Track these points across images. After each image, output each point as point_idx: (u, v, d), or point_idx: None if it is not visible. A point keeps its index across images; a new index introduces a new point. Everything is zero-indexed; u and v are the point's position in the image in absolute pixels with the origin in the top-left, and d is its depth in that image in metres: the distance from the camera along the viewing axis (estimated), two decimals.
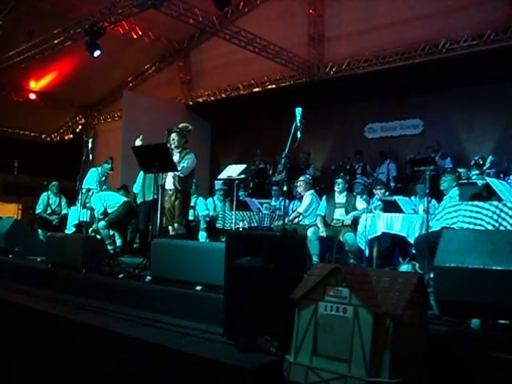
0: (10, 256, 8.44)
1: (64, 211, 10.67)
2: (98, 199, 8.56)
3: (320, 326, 3.20)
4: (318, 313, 3.22)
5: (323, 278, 3.23)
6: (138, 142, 8.07)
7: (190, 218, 9.83)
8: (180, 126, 7.21)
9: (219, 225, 9.45)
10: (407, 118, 12.68)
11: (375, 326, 2.99)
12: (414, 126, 12.57)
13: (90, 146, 8.36)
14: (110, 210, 8.47)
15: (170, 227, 7.17)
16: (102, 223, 8.37)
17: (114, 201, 8.53)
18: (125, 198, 8.76)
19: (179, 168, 6.81)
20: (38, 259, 8.05)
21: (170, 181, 7.03)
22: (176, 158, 6.97)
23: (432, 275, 4.89)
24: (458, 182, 6.98)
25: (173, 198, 7.05)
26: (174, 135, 7.08)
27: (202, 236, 9.47)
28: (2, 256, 8.32)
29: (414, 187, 8.66)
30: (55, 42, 12.55)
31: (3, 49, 13.51)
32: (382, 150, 12.16)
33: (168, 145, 6.98)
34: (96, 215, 8.74)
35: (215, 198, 10.49)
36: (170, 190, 7.05)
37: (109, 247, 8.21)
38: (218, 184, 10.43)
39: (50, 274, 6.92)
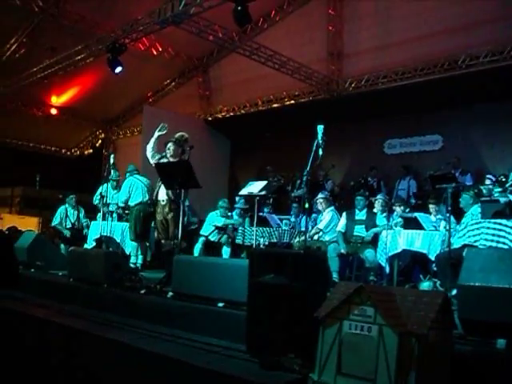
0: (33, 270, 8.53)
1: (84, 223, 10.74)
2: (129, 185, 8.70)
3: (344, 344, 3.20)
4: (343, 331, 3.22)
5: (348, 297, 3.23)
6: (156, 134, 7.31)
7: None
8: (176, 135, 7.21)
9: (239, 240, 9.47)
10: (426, 134, 12.63)
11: (400, 346, 2.98)
12: (434, 142, 12.51)
13: (111, 161, 8.43)
14: (130, 204, 8.66)
15: (162, 241, 7.11)
16: (131, 238, 8.57)
17: (136, 198, 8.65)
18: (142, 199, 8.74)
19: None
20: (60, 273, 8.13)
21: (163, 191, 6.98)
22: None
23: (454, 292, 4.88)
24: (476, 199, 6.93)
25: (166, 209, 6.98)
26: (169, 145, 7.09)
27: (226, 252, 9.47)
28: (24, 270, 8.41)
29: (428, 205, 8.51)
30: (77, 58, 12.70)
31: (27, 65, 13.73)
32: (405, 165, 12.11)
33: (164, 154, 7.04)
34: (119, 203, 8.90)
35: (234, 213, 10.51)
36: (163, 201, 6.99)
37: (133, 260, 8.33)
38: (239, 203, 10.46)
39: (72, 289, 6.98)
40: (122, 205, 8.83)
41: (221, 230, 9.66)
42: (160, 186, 7.01)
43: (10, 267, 7.78)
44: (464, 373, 3.43)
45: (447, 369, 3.27)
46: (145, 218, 8.58)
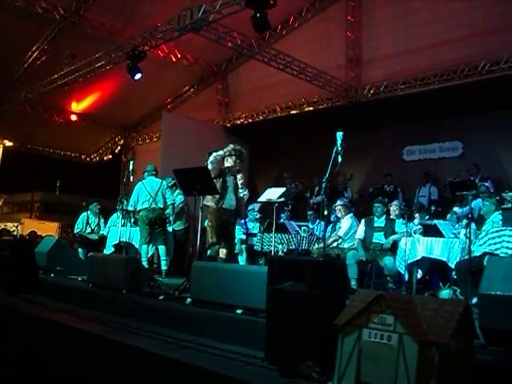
0: (52, 275, 8.59)
1: (102, 232, 10.85)
2: (137, 190, 8.97)
3: (364, 353, 3.17)
4: (362, 340, 3.19)
5: (367, 305, 3.20)
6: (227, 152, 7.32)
7: None
8: (237, 147, 7.32)
9: (257, 247, 9.46)
10: (446, 141, 12.55)
11: (420, 355, 2.94)
12: (454, 148, 12.43)
13: (131, 167, 8.50)
14: (137, 209, 9.00)
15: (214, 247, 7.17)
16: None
17: (140, 204, 8.89)
18: (142, 206, 8.89)
19: (245, 192, 7.10)
20: (79, 279, 8.18)
21: (232, 199, 7.08)
22: (239, 177, 7.19)
23: (474, 301, 4.83)
24: (497, 206, 6.85)
25: (232, 219, 7.13)
26: (234, 158, 7.18)
27: (242, 259, 9.46)
28: (44, 275, 8.47)
29: (453, 209, 8.55)
30: (97, 65, 12.82)
31: (47, 72, 13.89)
32: (426, 172, 12.03)
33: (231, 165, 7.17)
34: (128, 206, 9.12)
35: (247, 219, 10.48)
36: (231, 210, 7.08)
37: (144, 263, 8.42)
38: (251, 206, 10.45)
39: (91, 294, 7.02)
40: (131, 208, 9.01)
41: None
42: (228, 193, 7.06)
43: (30, 272, 7.85)
44: (485, 383, 3.39)
45: (468, 379, 3.22)
46: (150, 224, 8.70)
